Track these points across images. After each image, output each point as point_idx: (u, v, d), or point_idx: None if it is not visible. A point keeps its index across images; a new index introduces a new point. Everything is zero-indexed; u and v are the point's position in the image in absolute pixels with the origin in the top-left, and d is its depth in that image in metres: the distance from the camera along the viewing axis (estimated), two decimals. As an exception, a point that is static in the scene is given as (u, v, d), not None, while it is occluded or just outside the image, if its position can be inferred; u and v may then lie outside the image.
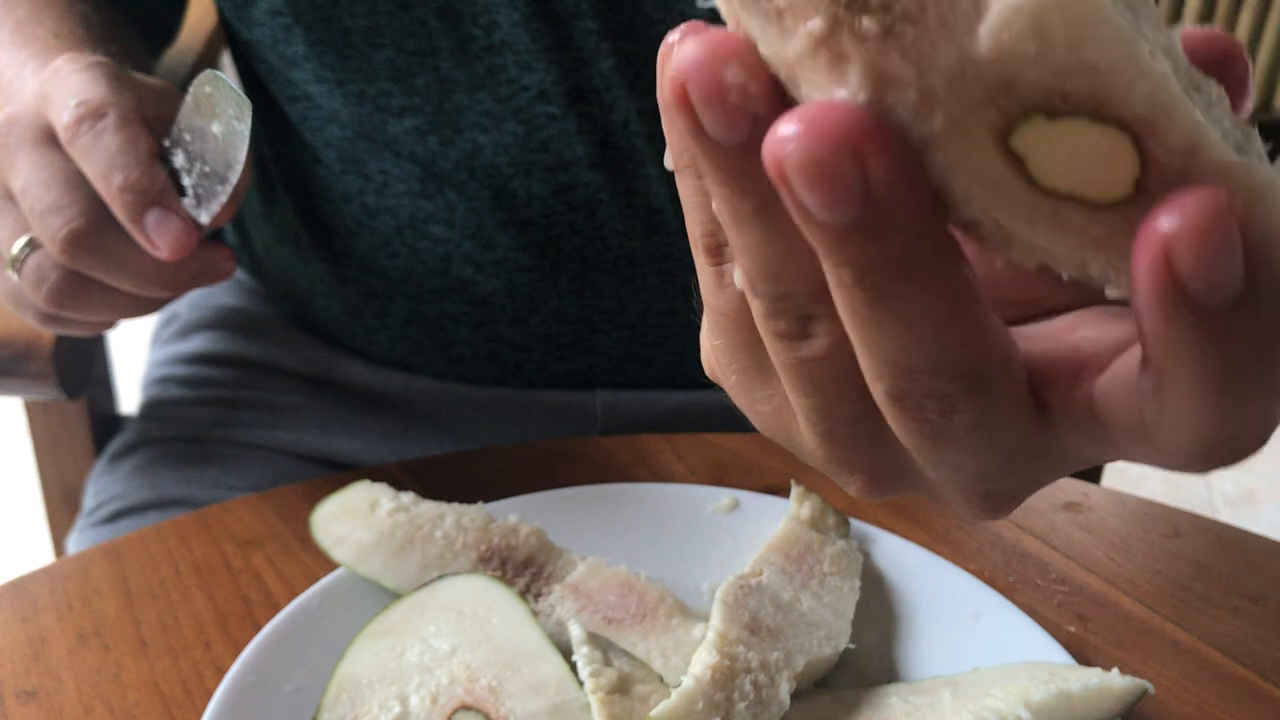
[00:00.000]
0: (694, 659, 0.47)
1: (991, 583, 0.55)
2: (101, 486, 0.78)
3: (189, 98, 0.54)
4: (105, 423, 0.85)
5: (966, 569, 0.55)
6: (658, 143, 0.71)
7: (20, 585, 0.58)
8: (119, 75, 0.55)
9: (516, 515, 0.56)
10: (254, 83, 0.77)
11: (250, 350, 0.83)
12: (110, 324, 0.59)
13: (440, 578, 0.52)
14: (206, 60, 0.96)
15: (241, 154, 0.51)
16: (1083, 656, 0.52)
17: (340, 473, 0.76)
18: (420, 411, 0.79)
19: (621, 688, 0.46)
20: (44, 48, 0.66)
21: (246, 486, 0.75)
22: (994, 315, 0.26)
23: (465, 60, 0.68)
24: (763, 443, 0.67)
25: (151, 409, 0.82)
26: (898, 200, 0.23)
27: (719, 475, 0.64)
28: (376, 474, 0.60)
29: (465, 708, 0.47)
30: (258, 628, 0.52)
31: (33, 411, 0.86)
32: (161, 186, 0.52)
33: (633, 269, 0.74)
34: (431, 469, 0.66)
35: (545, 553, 0.55)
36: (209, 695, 0.49)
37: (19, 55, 0.67)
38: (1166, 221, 0.21)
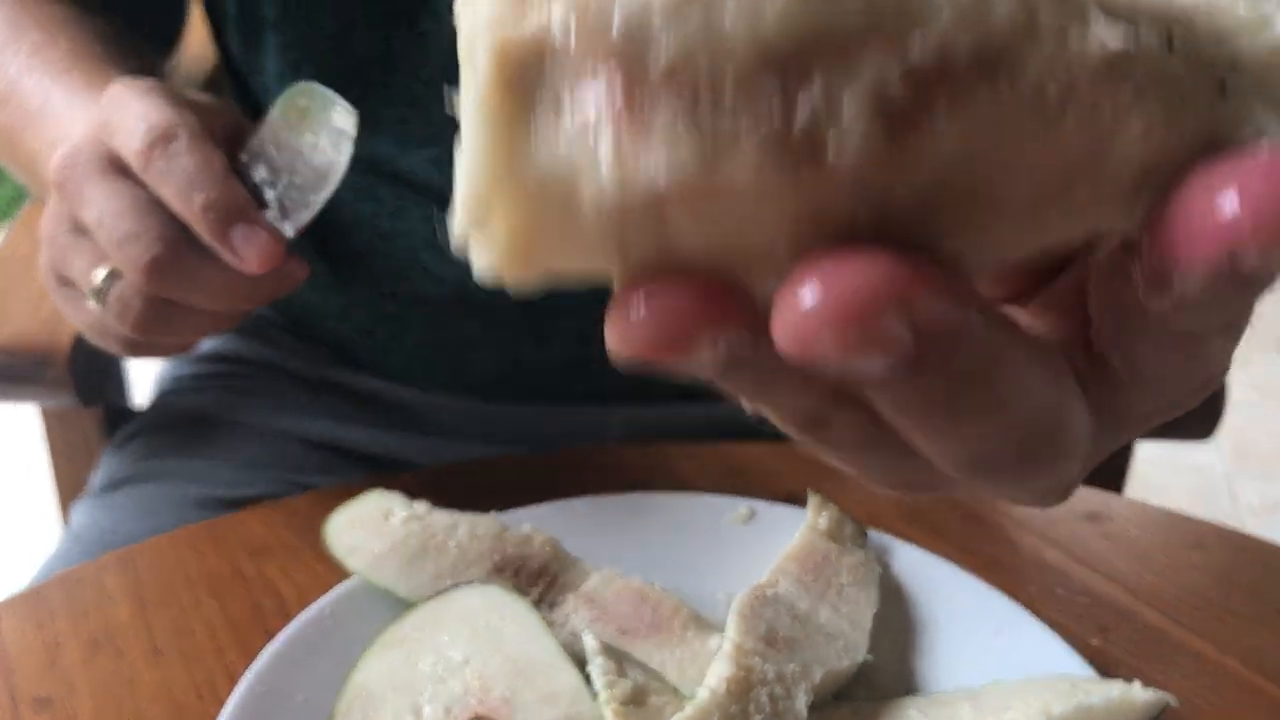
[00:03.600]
0: (710, 670, 0.47)
1: (1012, 593, 0.54)
2: (106, 466, 0.79)
3: (275, 111, 0.54)
4: (119, 420, 0.86)
5: (986, 579, 0.55)
6: None
7: (35, 592, 0.58)
8: (178, 95, 0.55)
9: (530, 525, 0.55)
10: (253, 108, 0.76)
11: (260, 353, 0.83)
12: (193, 343, 0.59)
13: (453, 587, 0.52)
14: (217, 75, 0.96)
15: (344, 159, 0.53)
16: (1104, 668, 0.51)
17: (348, 462, 0.76)
18: (432, 420, 0.79)
19: (636, 699, 0.46)
20: (64, 70, 0.66)
21: (244, 464, 0.75)
22: (1058, 359, 0.24)
23: None
24: (780, 451, 0.66)
25: (159, 400, 0.82)
26: (947, 327, 0.20)
27: (735, 484, 0.64)
28: (390, 483, 0.59)
29: (479, 718, 0.47)
30: (270, 636, 0.51)
31: (48, 417, 0.86)
32: (243, 202, 0.52)
33: None
34: (445, 478, 0.65)
35: (559, 562, 0.54)
36: (222, 703, 0.49)
37: (41, 80, 0.67)
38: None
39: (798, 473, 0.64)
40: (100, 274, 0.54)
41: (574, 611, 0.53)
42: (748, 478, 0.64)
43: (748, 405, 0.26)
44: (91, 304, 0.54)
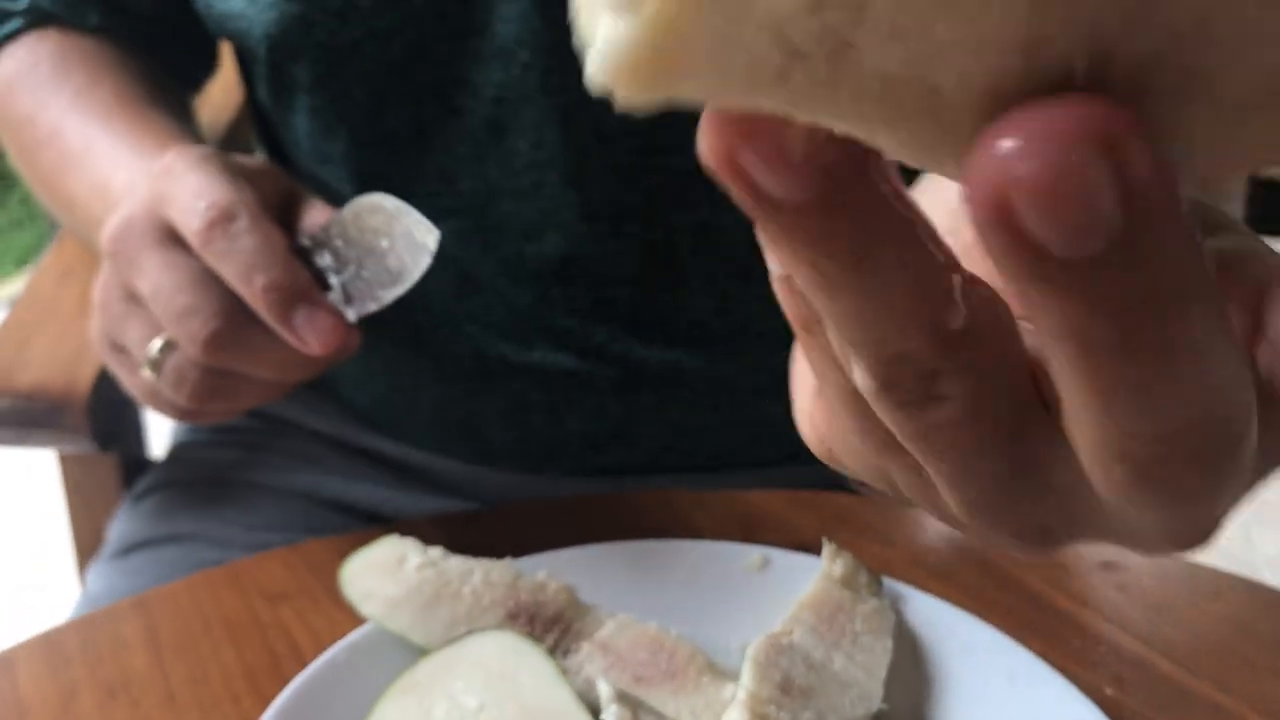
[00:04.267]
0: (725, 718, 0.47)
1: (1026, 643, 0.54)
2: (121, 525, 0.79)
3: (348, 210, 0.55)
4: (136, 470, 0.86)
5: (1001, 628, 0.55)
6: (701, 256, 0.70)
7: (50, 638, 0.58)
8: (233, 167, 0.56)
9: (545, 571, 0.55)
10: (279, 154, 0.77)
11: (278, 408, 0.83)
12: (245, 410, 0.60)
13: (469, 634, 0.52)
14: (242, 124, 0.97)
15: (420, 270, 0.54)
16: (1120, 719, 0.51)
17: (363, 523, 0.76)
18: (446, 483, 0.79)
19: (650, 747, 0.46)
20: (107, 114, 0.67)
21: (262, 526, 0.75)
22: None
23: (511, 172, 0.67)
24: (793, 500, 0.66)
25: (177, 452, 0.83)
26: (1164, 208, 0.17)
27: (749, 532, 0.64)
28: (405, 528, 0.60)
29: None
30: (286, 682, 0.51)
31: (66, 461, 0.86)
32: (306, 283, 0.53)
33: (676, 372, 0.73)
34: (459, 524, 0.65)
35: (573, 609, 0.54)
36: (236, 751, 0.49)
37: (85, 123, 0.67)
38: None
39: (811, 522, 0.64)
40: (156, 344, 0.54)
41: (588, 659, 0.53)
42: (762, 526, 0.64)
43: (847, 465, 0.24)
44: (147, 373, 0.55)
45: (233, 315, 0.53)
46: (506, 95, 0.65)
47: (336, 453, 0.81)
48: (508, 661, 0.50)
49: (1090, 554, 0.63)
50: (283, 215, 0.58)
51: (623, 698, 0.47)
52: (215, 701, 0.54)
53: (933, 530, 0.64)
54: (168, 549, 0.75)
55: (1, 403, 0.77)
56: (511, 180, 0.68)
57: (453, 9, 0.63)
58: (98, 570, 0.77)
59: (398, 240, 0.54)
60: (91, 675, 0.55)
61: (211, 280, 0.53)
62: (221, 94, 0.96)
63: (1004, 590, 0.60)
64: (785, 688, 0.49)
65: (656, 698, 0.51)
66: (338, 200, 0.74)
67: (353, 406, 0.81)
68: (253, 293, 0.52)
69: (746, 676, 0.49)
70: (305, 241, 0.56)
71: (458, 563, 0.56)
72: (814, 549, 0.59)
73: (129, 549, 0.76)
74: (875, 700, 0.51)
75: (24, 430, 0.77)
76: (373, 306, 0.54)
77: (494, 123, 0.66)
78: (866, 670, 0.52)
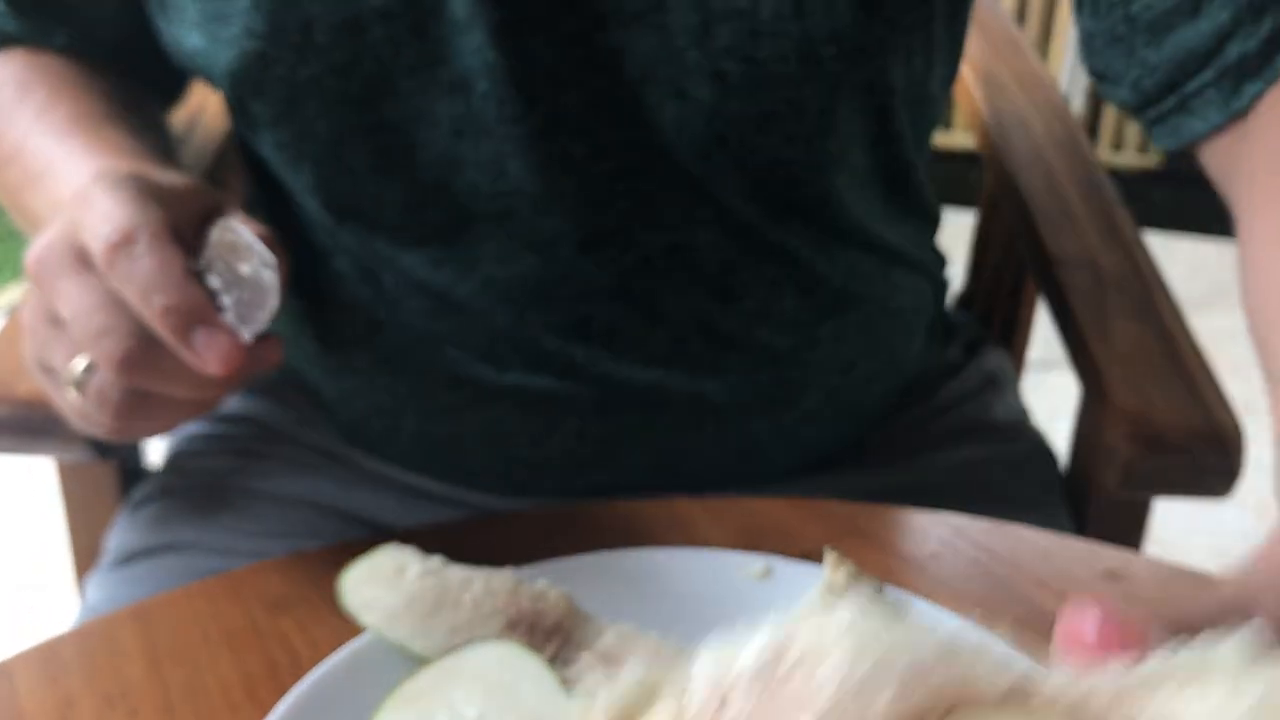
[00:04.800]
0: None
1: (1029, 652, 0.53)
2: (120, 534, 0.79)
3: (214, 235, 0.56)
4: (134, 479, 0.86)
5: (1004, 637, 0.54)
6: (676, 276, 0.70)
7: (49, 648, 0.57)
8: (146, 189, 0.56)
9: (545, 580, 0.55)
10: (263, 178, 0.76)
11: (273, 415, 0.83)
12: (174, 426, 0.60)
13: (469, 643, 0.51)
14: (228, 148, 0.97)
15: (273, 299, 0.54)
16: (1125, 730, 0.50)
17: (362, 531, 0.76)
18: (438, 498, 0.79)
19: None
20: (67, 132, 0.68)
21: (262, 533, 0.75)
22: None
23: (477, 200, 0.67)
24: (796, 508, 0.66)
25: (173, 461, 0.83)
26: None
27: (752, 541, 0.63)
28: (405, 536, 0.59)
29: None
30: (284, 692, 0.51)
31: (64, 470, 0.86)
32: (201, 304, 0.53)
33: (658, 392, 0.73)
34: (459, 533, 0.65)
35: (573, 619, 0.54)
36: (233, 762, 0.48)
37: (45, 141, 0.68)
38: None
39: (815, 530, 0.64)
40: (79, 365, 0.55)
41: (588, 669, 0.52)
42: (764, 534, 0.64)
43: None
44: (72, 394, 0.56)
45: (145, 336, 0.53)
46: (465, 128, 0.65)
47: (332, 462, 0.80)
48: (507, 671, 0.50)
49: (1095, 563, 0.62)
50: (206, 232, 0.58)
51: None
52: (213, 711, 0.54)
53: (936, 539, 0.64)
54: (166, 558, 0.75)
55: (0, 410, 0.76)
56: (479, 208, 0.68)
57: (410, 42, 0.63)
58: (97, 580, 0.77)
59: (253, 269, 0.55)
60: (89, 685, 0.55)
61: (124, 302, 0.53)
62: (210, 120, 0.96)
63: (1008, 599, 0.60)
64: (787, 698, 0.48)
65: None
66: (316, 226, 0.74)
67: (337, 424, 0.81)
68: (152, 314, 0.52)
69: (748, 687, 0.48)
70: (201, 263, 0.56)
71: (458, 571, 0.55)
72: (817, 558, 0.58)
73: (128, 558, 0.76)
74: (878, 710, 0.50)
75: (22, 439, 0.77)
76: (257, 328, 0.55)
77: (454, 155, 0.66)
78: (869, 680, 0.51)
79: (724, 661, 0.39)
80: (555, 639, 0.53)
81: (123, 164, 0.61)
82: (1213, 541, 1.93)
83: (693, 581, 0.58)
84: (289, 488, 0.78)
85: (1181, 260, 2.62)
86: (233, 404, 0.84)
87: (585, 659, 0.53)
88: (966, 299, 1.09)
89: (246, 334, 0.54)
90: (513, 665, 0.50)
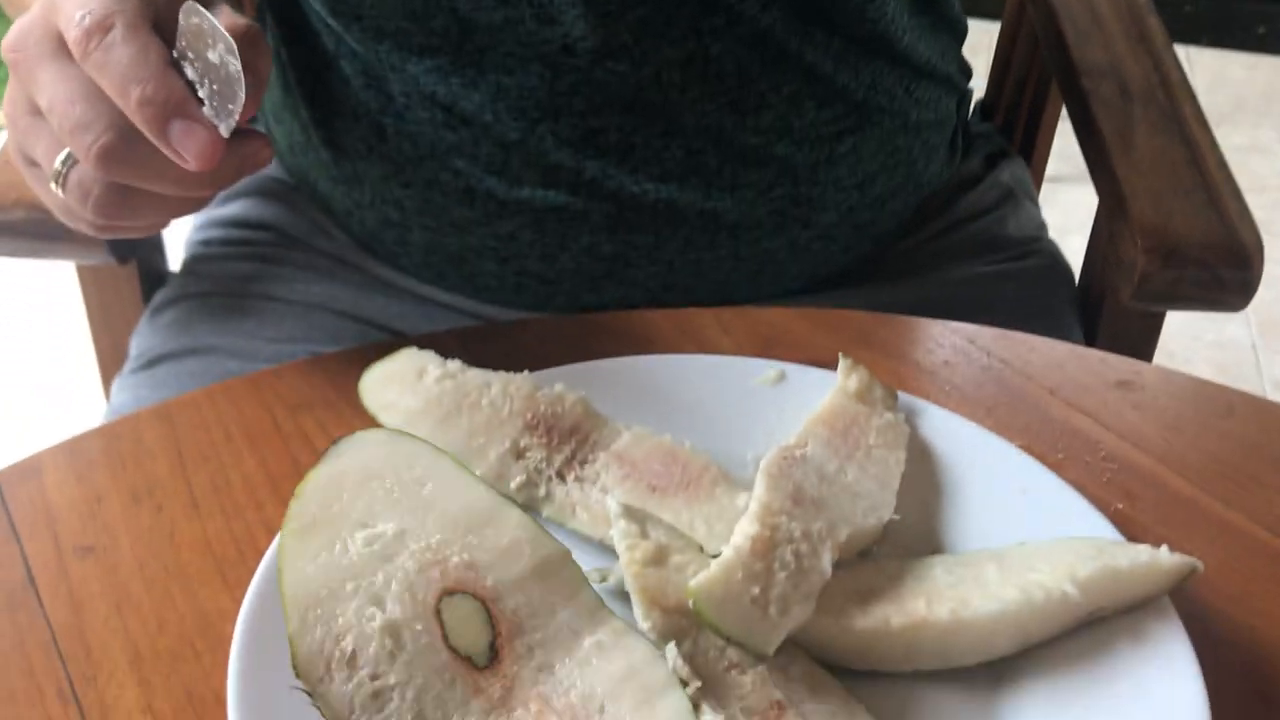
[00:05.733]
0: (736, 529, 0.47)
1: (1040, 459, 0.54)
2: (143, 338, 0.79)
3: (181, 22, 0.52)
4: (155, 282, 0.86)
5: (1015, 444, 0.55)
6: (692, 89, 0.68)
7: (76, 444, 0.59)
8: None
9: (562, 385, 0.56)
10: None
11: (287, 221, 0.82)
12: (162, 225, 0.59)
13: (335, 443, 0.47)
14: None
15: (240, 90, 0.50)
16: (1130, 534, 0.52)
17: (378, 335, 0.77)
18: (453, 308, 0.79)
19: (657, 559, 0.46)
20: None
21: (281, 338, 0.76)
22: None
23: (480, 8, 0.65)
24: (809, 318, 0.66)
25: (191, 265, 0.83)
26: None
27: (765, 349, 0.64)
28: (423, 341, 0.60)
29: (450, 592, 0.44)
30: (307, 490, 0.52)
31: (84, 274, 0.86)
32: (180, 96, 0.50)
33: (671, 208, 0.72)
34: (477, 337, 0.66)
35: (590, 421, 0.55)
36: (260, 555, 0.50)
37: None
38: None
39: (826, 339, 0.64)
40: (60, 158, 0.53)
41: (605, 469, 0.53)
42: (776, 344, 0.64)
43: None
44: (54, 187, 0.54)
45: (126, 129, 0.51)
46: None
47: (348, 269, 0.80)
48: (402, 471, 0.46)
49: (1106, 373, 0.63)
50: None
51: (630, 512, 0.48)
52: (238, 508, 0.55)
53: (949, 347, 0.64)
54: (189, 361, 0.75)
55: (17, 214, 0.76)
56: (483, 15, 0.66)
57: None
58: (121, 383, 0.78)
59: (218, 55, 0.51)
60: (116, 481, 0.56)
61: (102, 93, 0.51)
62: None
63: (1020, 407, 0.61)
64: (797, 499, 0.49)
65: (671, 507, 0.51)
66: (324, 34, 0.72)
67: (350, 235, 0.81)
68: (129, 106, 0.50)
69: (759, 488, 0.49)
70: (175, 53, 0.52)
71: (476, 375, 0.56)
72: (830, 365, 0.59)
73: (151, 362, 0.77)
74: (887, 511, 0.51)
75: (41, 242, 0.77)
76: (231, 122, 0.51)
77: None
78: (879, 482, 0.52)
79: None
80: (572, 440, 0.54)
81: None
82: (1216, 354, 1.94)
83: (707, 386, 0.59)
84: (306, 293, 0.78)
85: (1204, 73, 2.56)
86: (247, 209, 0.83)
87: (602, 459, 0.54)
88: (987, 110, 1.07)
89: (224, 129, 0.51)
90: (405, 461, 0.46)
